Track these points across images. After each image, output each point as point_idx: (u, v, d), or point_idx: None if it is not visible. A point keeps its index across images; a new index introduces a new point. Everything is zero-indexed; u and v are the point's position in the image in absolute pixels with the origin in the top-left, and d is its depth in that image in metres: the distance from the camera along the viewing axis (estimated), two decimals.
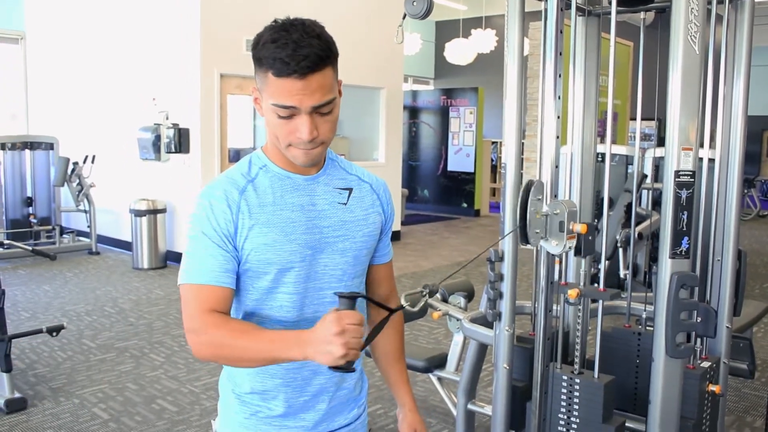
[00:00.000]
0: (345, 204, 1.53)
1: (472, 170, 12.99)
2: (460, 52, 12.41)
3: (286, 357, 1.33)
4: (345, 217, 1.51)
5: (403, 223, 10.87)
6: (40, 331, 4.53)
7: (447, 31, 16.01)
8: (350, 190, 1.55)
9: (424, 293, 1.42)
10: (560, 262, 2.31)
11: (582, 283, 2.29)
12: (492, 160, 13.76)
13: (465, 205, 13.15)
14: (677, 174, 1.95)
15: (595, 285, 2.30)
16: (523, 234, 1.98)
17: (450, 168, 13.29)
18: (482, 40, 12.32)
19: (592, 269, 3.02)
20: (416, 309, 1.43)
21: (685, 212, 1.97)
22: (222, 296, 1.39)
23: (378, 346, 1.73)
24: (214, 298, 1.38)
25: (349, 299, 1.31)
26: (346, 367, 1.27)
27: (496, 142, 13.73)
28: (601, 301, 2.25)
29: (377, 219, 1.58)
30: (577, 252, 2.06)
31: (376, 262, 1.65)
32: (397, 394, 1.74)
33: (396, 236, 9.96)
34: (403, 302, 1.39)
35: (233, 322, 1.39)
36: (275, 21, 1.36)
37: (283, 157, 1.47)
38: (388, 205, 1.63)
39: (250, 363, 1.39)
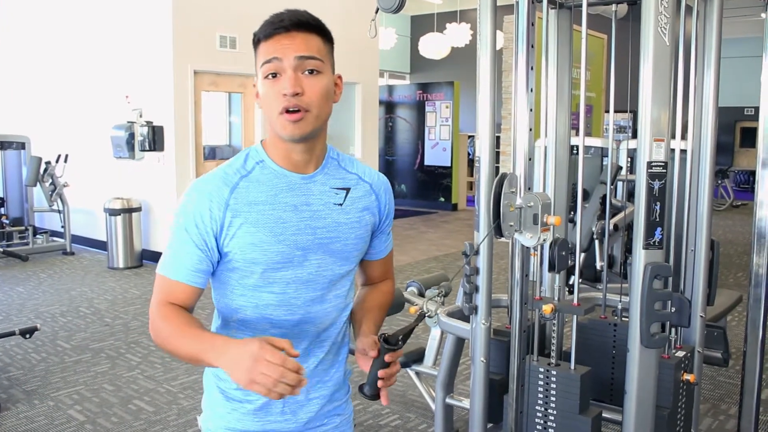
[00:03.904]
0: (341, 205, 1.50)
1: (449, 164, 13.01)
2: (435, 46, 12.41)
3: (205, 360, 1.30)
4: (340, 218, 1.49)
5: None
6: (13, 333, 4.46)
7: (422, 25, 16.01)
8: (347, 190, 1.52)
9: None
10: (535, 254, 2.31)
11: (556, 298, 2.28)
12: (469, 154, 13.79)
13: (442, 199, 13.18)
14: (649, 165, 1.95)
15: (569, 298, 2.27)
16: (497, 227, 1.98)
17: (427, 162, 13.30)
18: (457, 34, 12.34)
19: (570, 261, 3.02)
20: None
21: (658, 203, 1.97)
22: (187, 294, 1.43)
23: (359, 303, 1.62)
24: (178, 294, 1.42)
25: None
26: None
27: (473, 136, 13.75)
28: (576, 293, 2.25)
29: (370, 221, 1.56)
30: (551, 268, 2.06)
31: (374, 258, 1.63)
32: (360, 330, 1.54)
33: None
34: None
35: (182, 318, 1.39)
36: None
37: (282, 153, 1.45)
38: (386, 206, 1.60)
39: (183, 358, 1.38)
